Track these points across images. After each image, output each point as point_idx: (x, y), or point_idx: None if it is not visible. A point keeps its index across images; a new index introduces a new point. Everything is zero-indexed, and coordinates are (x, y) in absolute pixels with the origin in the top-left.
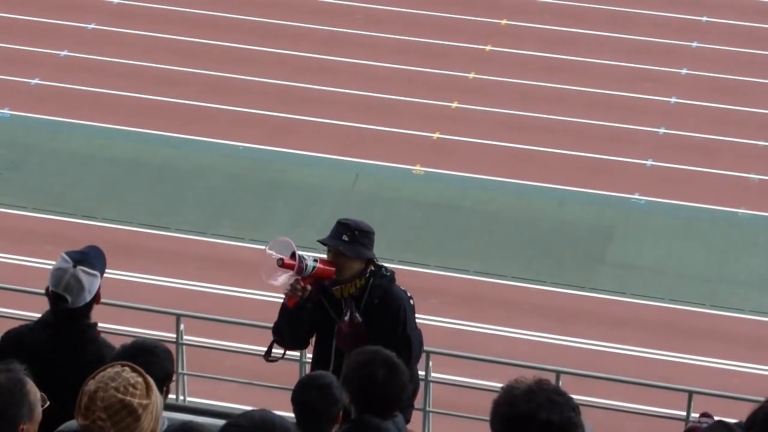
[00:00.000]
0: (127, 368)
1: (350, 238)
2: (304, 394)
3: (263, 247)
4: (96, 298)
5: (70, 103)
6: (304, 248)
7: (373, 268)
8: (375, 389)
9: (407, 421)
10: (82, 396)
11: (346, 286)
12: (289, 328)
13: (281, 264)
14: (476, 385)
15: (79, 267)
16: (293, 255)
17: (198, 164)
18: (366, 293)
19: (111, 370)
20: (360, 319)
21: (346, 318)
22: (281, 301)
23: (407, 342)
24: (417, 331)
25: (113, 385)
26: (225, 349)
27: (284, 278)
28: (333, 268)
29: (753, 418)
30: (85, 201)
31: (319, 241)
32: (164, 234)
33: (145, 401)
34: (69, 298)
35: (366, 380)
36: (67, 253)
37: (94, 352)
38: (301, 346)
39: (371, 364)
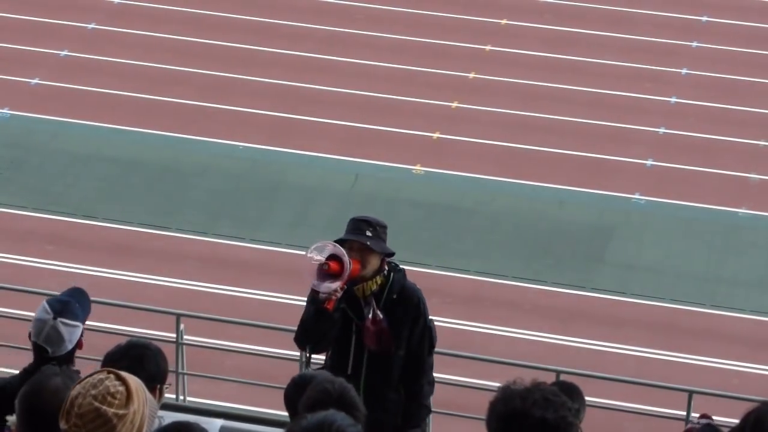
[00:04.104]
0: (112, 376)
1: (373, 234)
2: (296, 394)
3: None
4: (79, 345)
5: (70, 103)
6: (305, 248)
7: (389, 264)
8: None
9: None
10: (67, 400)
11: (368, 284)
12: (322, 332)
13: (327, 269)
14: (476, 385)
15: (59, 319)
16: (333, 257)
17: (198, 164)
18: (386, 289)
19: (96, 377)
20: (381, 316)
21: (370, 316)
22: (283, 301)
23: (429, 332)
24: (432, 321)
25: (93, 392)
26: (225, 348)
27: (336, 284)
28: (358, 266)
29: (744, 421)
30: (85, 201)
31: (341, 239)
32: (164, 234)
33: (122, 411)
34: (49, 349)
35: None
36: (49, 302)
37: None
38: (325, 349)
39: (319, 404)
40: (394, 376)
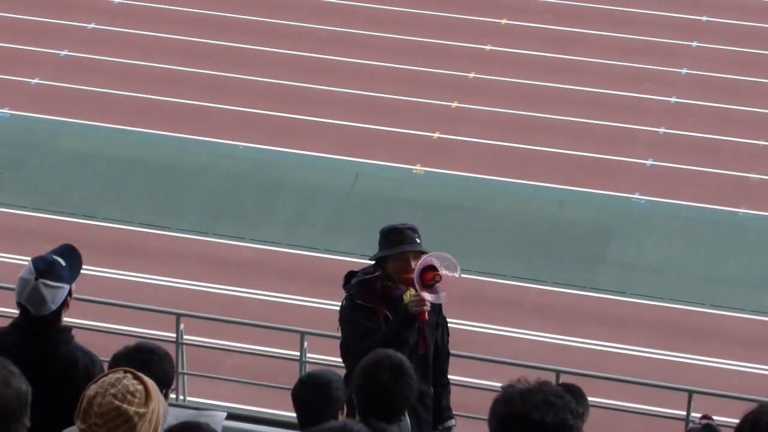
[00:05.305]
0: (129, 375)
1: (420, 239)
2: (303, 393)
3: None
4: (65, 305)
5: (70, 103)
6: (305, 248)
7: None
8: (378, 392)
9: None
10: (83, 400)
11: (410, 288)
12: (407, 342)
13: (440, 280)
14: (476, 385)
15: (41, 280)
16: (432, 268)
17: (198, 164)
18: None
19: (113, 376)
20: None
21: None
22: (283, 301)
23: (446, 323)
24: None
25: (112, 391)
26: (225, 348)
27: (432, 296)
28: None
29: (743, 422)
30: (85, 201)
31: (401, 250)
32: (164, 234)
33: (142, 409)
34: (31, 309)
35: (370, 381)
36: (34, 262)
37: (67, 356)
38: None
39: (378, 365)
40: (430, 373)
